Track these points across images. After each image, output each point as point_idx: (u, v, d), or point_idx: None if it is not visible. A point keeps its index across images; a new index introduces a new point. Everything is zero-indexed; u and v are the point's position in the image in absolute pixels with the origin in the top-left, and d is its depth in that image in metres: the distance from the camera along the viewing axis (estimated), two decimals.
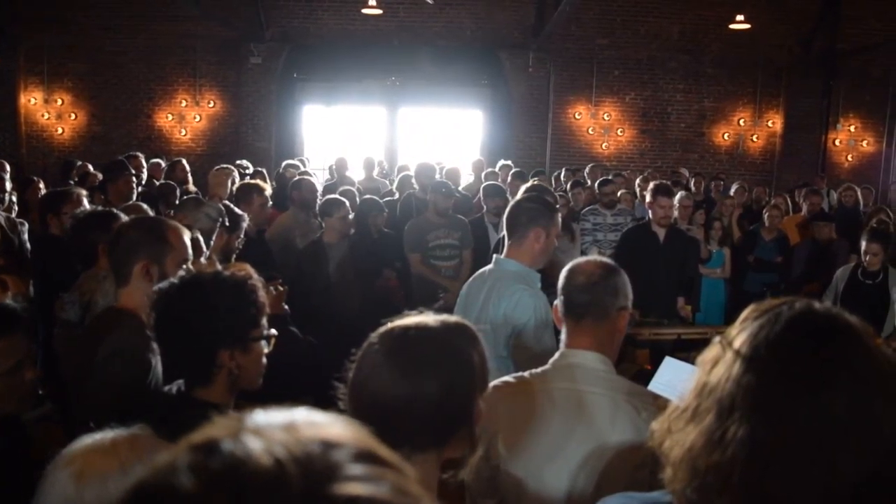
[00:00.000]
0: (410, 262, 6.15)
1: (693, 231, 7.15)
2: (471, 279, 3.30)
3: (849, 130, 14.25)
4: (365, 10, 12.00)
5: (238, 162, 8.50)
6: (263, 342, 1.96)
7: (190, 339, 1.83)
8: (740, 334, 1.13)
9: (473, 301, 3.13)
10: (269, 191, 5.01)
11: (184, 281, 1.87)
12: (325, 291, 5.34)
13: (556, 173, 10.82)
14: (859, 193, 8.55)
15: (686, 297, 5.97)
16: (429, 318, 1.44)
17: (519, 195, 4.63)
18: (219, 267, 1.94)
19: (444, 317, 1.45)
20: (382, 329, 1.44)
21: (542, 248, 3.10)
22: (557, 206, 3.52)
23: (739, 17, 11.91)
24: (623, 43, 13.71)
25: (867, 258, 5.35)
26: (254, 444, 0.55)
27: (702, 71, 13.88)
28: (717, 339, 1.18)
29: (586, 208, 7.37)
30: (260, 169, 7.20)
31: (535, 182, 7.72)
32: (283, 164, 9.51)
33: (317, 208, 5.82)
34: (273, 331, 1.99)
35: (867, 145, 14.33)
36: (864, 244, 5.37)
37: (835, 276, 5.76)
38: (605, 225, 7.07)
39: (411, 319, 1.44)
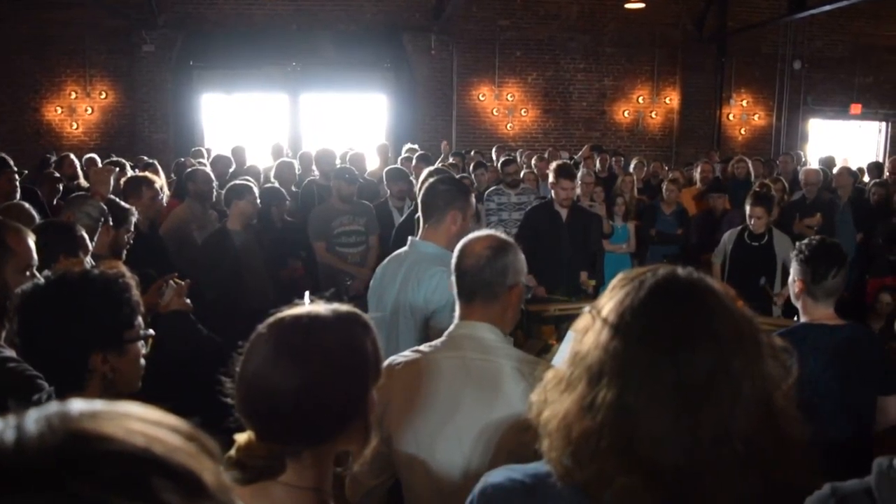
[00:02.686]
0: (315, 251, 6.06)
1: (595, 207, 7.30)
2: (385, 262, 3.25)
3: (741, 105, 14.87)
4: None
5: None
6: (141, 343, 1.87)
7: (58, 344, 1.72)
8: (608, 303, 1.15)
9: (389, 284, 3.09)
10: (159, 183, 4.83)
11: (49, 281, 1.76)
12: (233, 280, 5.19)
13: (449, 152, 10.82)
14: (750, 165, 8.88)
15: (589, 271, 6.09)
16: (320, 307, 1.39)
17: (423, 176, 4.62)
18: (87, 266, 1.84)
19: (336, 306, 1.40)
20: (271, 319, 1.38)
21: (458, 230, 3.08)
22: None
23: None
24: (524, 24, 13.86)
25: (752, 221, 5.58)
26: (8, 432, 0.51)
27: (601, 50, 14.18)
28: (587, 308, 1.19)
29: (490, 188, 7.42)
30: (152, 161, 6.94)
31: (439, 165, 7.75)
32: (213, 155, 9.19)
33: (213, 199, 5.64)
34: (150, 331, 1.91)
35: (759, 119, 15.00)
36: (748, 208, 5.59)
37: (723, 238, 5.98)
38: (510, 204, 7.12)
39: (302, 309, 1.39)
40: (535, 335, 4.66)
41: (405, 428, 2.06)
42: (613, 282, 1.20)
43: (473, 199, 3.26)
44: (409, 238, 3.20)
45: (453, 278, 2.18)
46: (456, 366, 2.07)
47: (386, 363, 2.19)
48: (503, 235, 2.26)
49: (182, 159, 8.29)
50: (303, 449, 1.31)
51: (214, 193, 5.86)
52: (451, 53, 13.61)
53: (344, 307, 1.41)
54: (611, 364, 1.08)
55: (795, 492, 1.17)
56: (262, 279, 5.33)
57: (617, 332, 1.09)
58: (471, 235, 2.24)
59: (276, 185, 6.52)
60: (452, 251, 3.10)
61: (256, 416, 1.31)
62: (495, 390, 2.01)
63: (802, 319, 3.05)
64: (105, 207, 3.62)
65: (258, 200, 5.53)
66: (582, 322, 1.18)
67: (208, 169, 6.34)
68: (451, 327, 2.17)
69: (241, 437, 1.30)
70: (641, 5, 12.50)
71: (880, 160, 12.72)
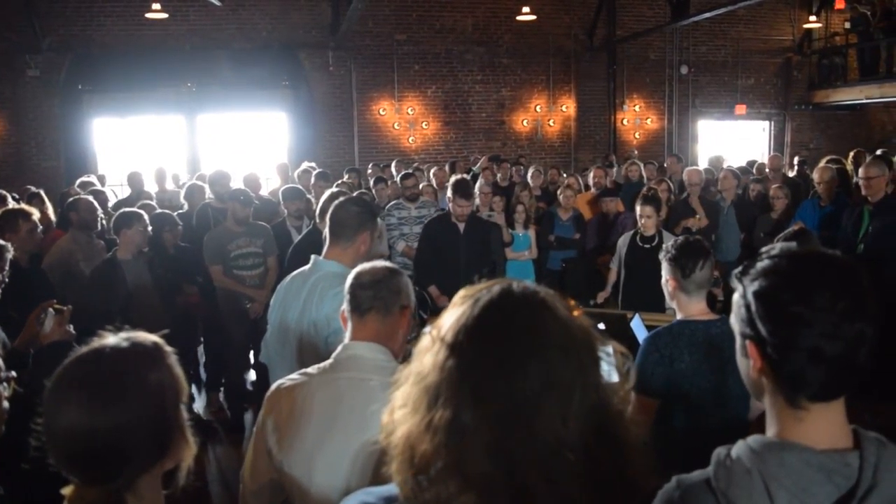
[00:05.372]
0: (212, 275, 5.93)
1: (494, 216, 7.41)
2: (288, 279, 3.24)
3: (634, 110, 15.42)
4: (149, 15, 11.39)
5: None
6: (3, 385, 1.80)
7: None
8: (446, 321, 1.16)
9: (293, 301, 3.09)
10: (37, 215, 4.64)
11: None
12: (125, 312, 5.03)
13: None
14: (642, 168, 9.20)
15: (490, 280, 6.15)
16: (115, 338, 1.39)
17: (326, 197, 4.59)
18: None
19: (131, 334, 1.40)
20: (70, 359, 1.36)
21: (365, 251, 3.16)
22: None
23: (525, 9, 12.47)
24: (420, 38, 13.98)
25: (642, 221, 5.78)
26: None
27: (497, 62, 14.45)
28: (427, 328, 1.20)
29: (390, 203, 7.42)
30: (38, 191, 6.66)
31: (342, 182, 7.72)
32: (77, 181, 8.86)
33: (99, 228, 5.44)
34: (12, 372, 1.83)
35: (651, 123, 15.58)
36: (638, 209, 5.79)
37: (618, 243, 6.16)
38: (410, 218, 7.15)
39: (98, 344, 1.38)
40: None
41: (294, 451, 2.06)
42: (455, 299, 1.22)
43: (380, 221, 3.32)
44: (313, 256, 3.20)
45: (347, 297, 2.21)
46: (342, 387, 2.08)
47: (274, 386, 2.20)
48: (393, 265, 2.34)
49: (66, 189, 7.97)
50: (135, 479, 1.30)
51: (100, 222, 5.68)
52: (349, 69, 13.60)
53: (140, 334, 1.41)
54: (446, 384, 1.08)
55: (637, 493, 1.20)
56: (155, 307, 5.18)
57: (452, 352, 1.10)
58: (363, 265, 2.30)
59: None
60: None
61: (78, 464, 1.28)
62: (381, 409, 2.02)
63: (678, 317, 3.17)
64: None
65: (149, 227, 5.39)
66: (424, 342, 1.19)
67: (92, 197, 6.09)
68: (339, 349, 2.19)
69: (67, 490, 1.27)
70: (533, 17, 12.80)
71: (765, 157, 13.41)
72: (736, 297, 1.36)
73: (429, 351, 1.15)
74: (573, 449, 1.06)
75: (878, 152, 9.63)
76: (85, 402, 1.27)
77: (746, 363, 1.36)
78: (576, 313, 1.20)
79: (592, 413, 1.09)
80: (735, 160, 12.03)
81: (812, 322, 1.23)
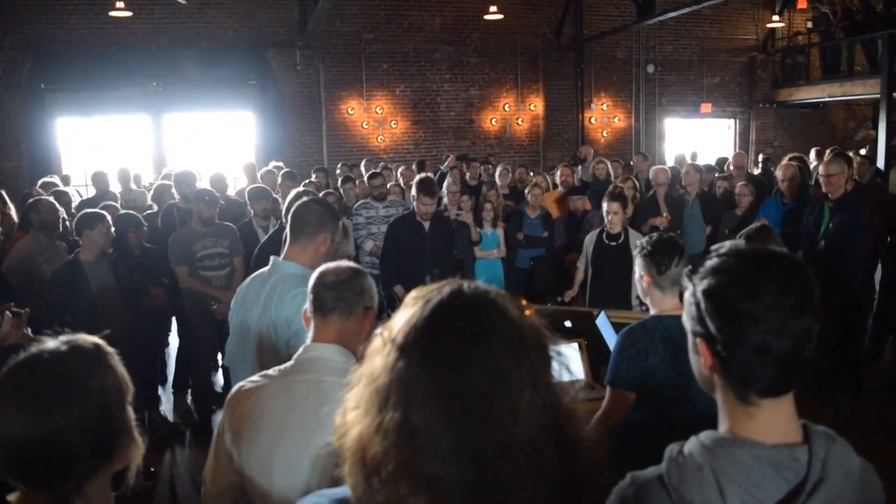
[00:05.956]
0: (178, 276, 5.87)
1: (462, 215, 7.41)
2: (248, 281, 3.21)
3: (602, 109, 15.53)
4: (112, 13, 11.23)
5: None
6: None
7: None
8: (397, 323, 1.16)
9: (253, 303, 3.06)
10: None
11: None
12: (89, 315, 4.95)
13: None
14: (609, 166, 9.27)
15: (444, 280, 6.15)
16: (54, 342, 1.37)
17: (291, 196, 4.56)
18: None
19: (69, 337, 1.39)
20: (8, 366, 1.34)
21: (325, 252, 3.12)
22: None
23: (493, 9, 12.50)
24: (388, 37, 13.96)
25: (608, 217, 5.82)
26: None
27: (465, 61, 14.48)
28: (378, 329, 1.20)
29: (358, 202, 7.40)
30: None
31: (309, 181, 7.69)
32: (39, 182, 8.71)
33: (61, 229, 5.36)
34: None
35: (619, 121, 15.71)
36: (605, 206, 5.84)
37: (584, 242, 6.20)
38: (378, 217, 7.14)
39: (36, 349, 1.36)
40: None
41: (253, 454, 2.05)
42: (406, 300, 1.22)
43: (341, 224, 3.29)
44: (272, 258, 3.16)
45: (311, 297, 2.19)
46: (301, 390, 2.07)
47: (235, 388, 2.19)
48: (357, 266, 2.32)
49: (27, 190, 7.84)
50: (83, 483, 1.29)
51: (62, 223, 5.60)
52: (317, 68, 13.54)
53: (79, 337, 1.40)
54: (396, 385, 1.08)
55: (590, 491, 1.21)
56: (119, 310, 5.12)
57: (402, 354, 1.10)
58: (326, 265, 2.27)
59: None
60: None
61: (23, 471, 1.26)
62: (332, 412, 2.01)
63: (652, 312, 3.21)
64: None
65: (112, 228, 5.33)
66: (375, 343, 1.19)
67: (53, 198, 6.00)
68: (300, 350, 2.18)
69: (14, 497, 1.25)
70: (500, 16, 12.84)
71: (730, 154, 13.57)
72: (686, 295, 1.38)
73: (380, 352, 1.15)
74: (523, 448, 1.06)
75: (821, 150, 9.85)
76: (26, 408, 1.26)
77: (698, 360, 1.39)
78: (527, 313, 1.21)
79: (543, 412, 1.10)
80: (702, 158, 12.17)
81: (759, 319, 1.25)
